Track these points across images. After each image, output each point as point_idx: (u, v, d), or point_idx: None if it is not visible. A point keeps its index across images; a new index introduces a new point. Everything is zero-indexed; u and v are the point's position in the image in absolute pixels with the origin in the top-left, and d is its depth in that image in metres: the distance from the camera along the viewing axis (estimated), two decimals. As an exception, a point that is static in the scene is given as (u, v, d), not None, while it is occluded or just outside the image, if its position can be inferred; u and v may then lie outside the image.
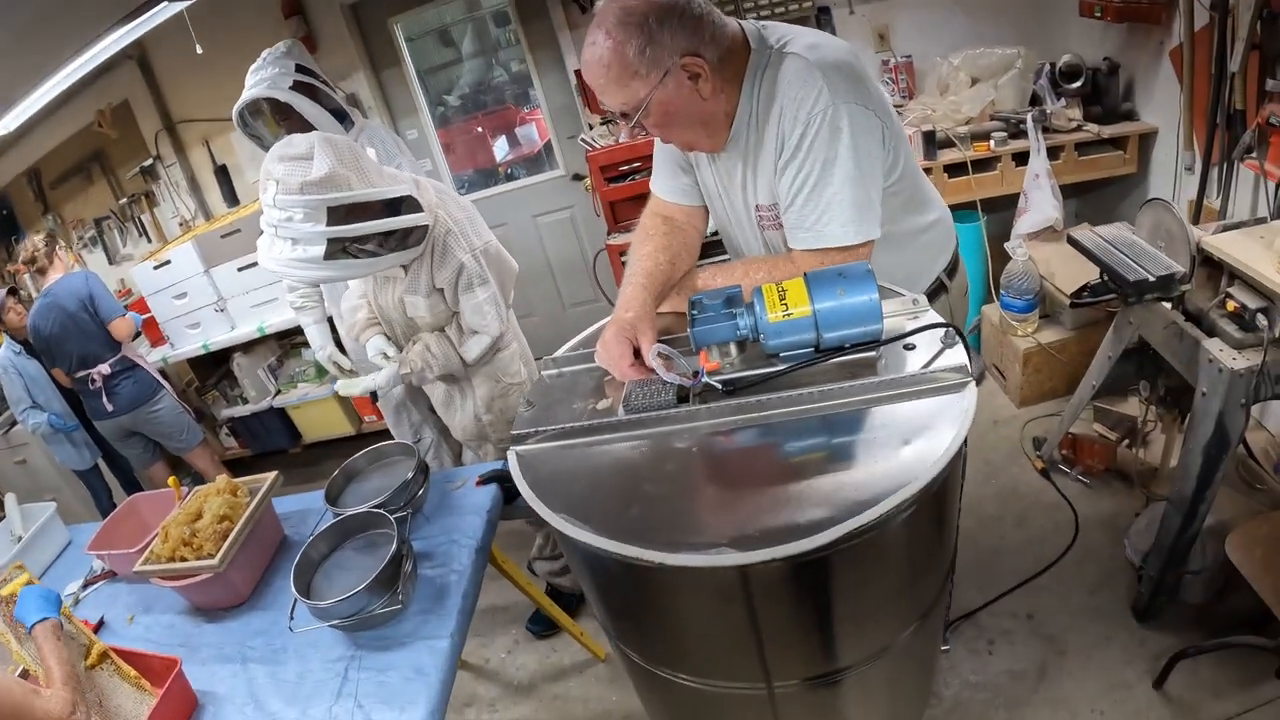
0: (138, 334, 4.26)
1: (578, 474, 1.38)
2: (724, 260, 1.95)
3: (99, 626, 2.01)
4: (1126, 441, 2.97)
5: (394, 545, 1.72)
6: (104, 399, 3.72)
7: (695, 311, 1.42)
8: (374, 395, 2.74)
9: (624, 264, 1.82)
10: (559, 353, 1.71)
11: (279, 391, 4.66)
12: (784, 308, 1.33)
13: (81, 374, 3.69)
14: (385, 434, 2.76)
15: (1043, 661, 2.34)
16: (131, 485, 4.30)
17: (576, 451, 1.41)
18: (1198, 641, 2.12)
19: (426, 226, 2.16)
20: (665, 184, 1.86)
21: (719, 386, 1.39)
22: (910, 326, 1.43)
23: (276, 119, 2.85)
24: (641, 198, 1.93)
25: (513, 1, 4.21)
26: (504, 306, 2.32)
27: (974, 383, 1.27)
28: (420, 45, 4.52)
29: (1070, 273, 3.06)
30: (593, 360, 1.59)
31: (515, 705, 2.69)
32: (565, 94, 4.42)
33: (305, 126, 2.69)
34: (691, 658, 1.43)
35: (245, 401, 4.67)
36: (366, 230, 1.99)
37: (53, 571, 2.35)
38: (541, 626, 2.88)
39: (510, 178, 4.81)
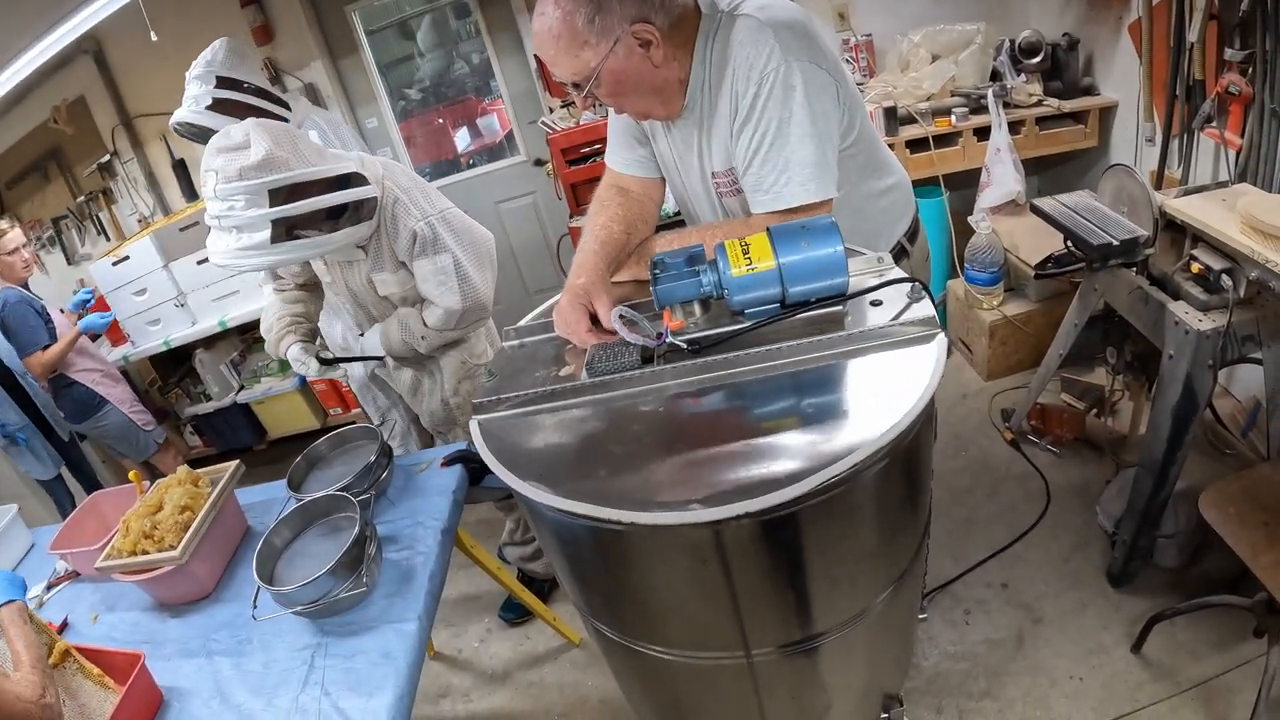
0: (98, 336, 4.17)
1: (542, 440, 1.34)
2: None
3: (63, 627, 1.96)
4: (1095, 411, 3.00)
5: (357, 527, 1.69)
6: (55, 404, 3.69)
7: (658, 271, 1.39)
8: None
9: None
10: (521, 323, 1.68)
11: (242, 387, 4.59)
12: (748, 262, 1.31)
13: None
14: (352, 427, 2.72)
15: (1020, 630, 2.34)
16: (94, 490, 4.20)
17: (540, 418, 1.38)
18: (1173, 604, 2.13)
19: (375, 199, 2.10)
20: (620, 156, 1.84)
21: (684, 346, 1.36)
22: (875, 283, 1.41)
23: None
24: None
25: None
26: (475, 282, 2.23)
27: (942, 333, 1.25)
28: (380, 39, 4.46)
29: (1034, 245, 3.08)
30: (554, 330, 1.56)
31: (490, 694, 2.66)
32: (526, 79, 4.39)
33: None
34: (667, 628, 1.40)
35: (208, 398, 4.59)
36: (310, 208, 1.94)
37: (16, 575, 2.29)
38: (514, 614, 2.86)
39: (471, 167, 4.77)
